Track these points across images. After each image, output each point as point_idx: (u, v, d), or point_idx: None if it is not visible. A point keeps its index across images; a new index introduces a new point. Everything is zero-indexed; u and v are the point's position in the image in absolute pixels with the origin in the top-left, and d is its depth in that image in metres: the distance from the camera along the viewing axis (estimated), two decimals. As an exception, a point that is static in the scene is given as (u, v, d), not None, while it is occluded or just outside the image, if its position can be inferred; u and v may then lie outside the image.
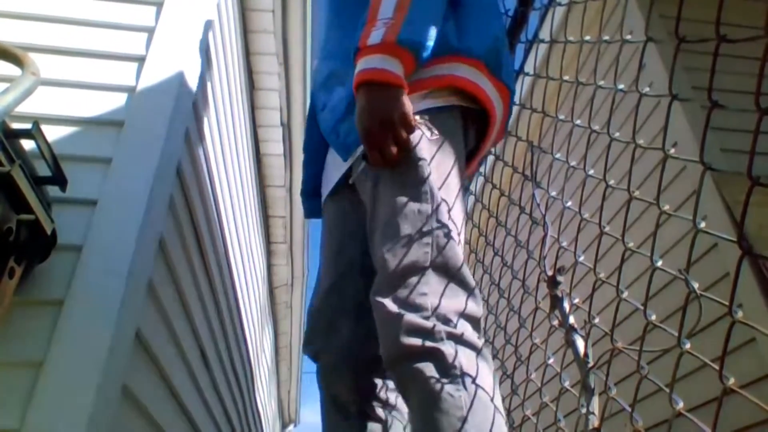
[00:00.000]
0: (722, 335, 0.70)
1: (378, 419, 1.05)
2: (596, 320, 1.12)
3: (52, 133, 1.20)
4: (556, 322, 1.29)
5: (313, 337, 1.11)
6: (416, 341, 0.77)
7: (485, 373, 0.79)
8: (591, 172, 1.18)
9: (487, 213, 1.84)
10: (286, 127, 3.36)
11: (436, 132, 0.94)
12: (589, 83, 1.24)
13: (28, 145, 0.99)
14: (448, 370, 0.76)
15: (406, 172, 0.90)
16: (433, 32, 0.93)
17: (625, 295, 1.00)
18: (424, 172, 0.90)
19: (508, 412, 1.63)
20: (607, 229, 1.07)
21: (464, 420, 0.72)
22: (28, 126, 0.96)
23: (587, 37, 1.30)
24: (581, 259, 1.18)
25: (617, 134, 1.10)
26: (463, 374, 0.76)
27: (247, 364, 3.12)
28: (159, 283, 1.32)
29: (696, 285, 0.81)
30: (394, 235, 0.86)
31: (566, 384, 1.16)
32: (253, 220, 3.12)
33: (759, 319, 1.78)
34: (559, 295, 1.28)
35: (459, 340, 0.79)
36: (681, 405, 0.83)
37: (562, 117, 1.38)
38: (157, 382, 1.39)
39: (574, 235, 1.19)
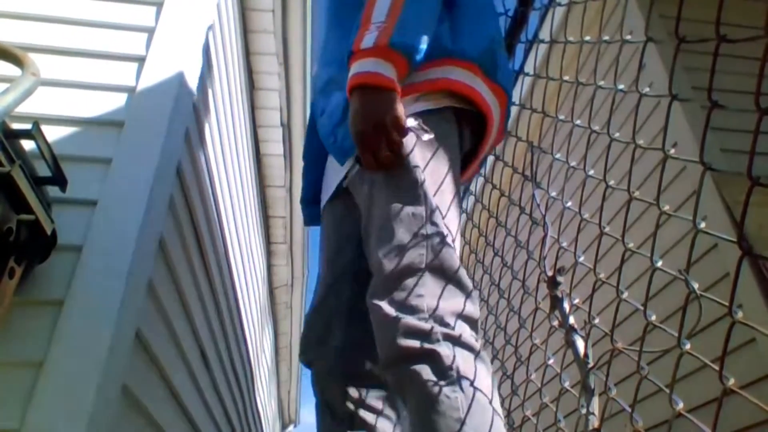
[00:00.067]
0: (722, 335, 0.70)
1: (368, 426, 1.06)
2: (596, 321, 1.12)
3: (52, 133, 1.20)
4: (556, 323, 1.29)
5: (307, 347, 1.14)
6: (413, 343, 0.77)
7: (483, 375, 0.79)
8: (591, 172, 1.18)
9: (487, 213, 1.84)
10: (286, 127, 3.36)
11: (431, 135, 0.93)
12: (589, 83, 1.24)
13: (28, 145, 0.99)
14: (445, 372, 0.75)
15: (401, 176, 0.91)
16: (425, 35, 0.93)
17: (625, 295, 1.00)
18: (419, 177, 0.90)
19: (508, 412, 1.63)
20: (607, 229, 1.07)
21: (462, 422, 0.72)
22: (28, 126, 0.96)
23: (587, 38, 1.30)
24: (581, 259, 1.18)
25: (617, 134, 1.10)
26: (461, 376, 0.76)
27: (247, 364, 3.12)
28: (159, 283, 1.32)
29: (696, 285, 0.81)
30: (389, 238, 0.86)
31: (566, 384, 1.16)
32: (253, 220, 3.12)
33: (759, 319, 1.78)
34: (559, 295, 1.28)
35: (456, 341, 0.79)
36: (681, 405, 0.83)
37: (562, 117, 1.38)
38: (157, 382, 1.39)
39: (574, 236, 1.19)
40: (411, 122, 0.91)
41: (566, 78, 1.40)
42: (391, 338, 0.79)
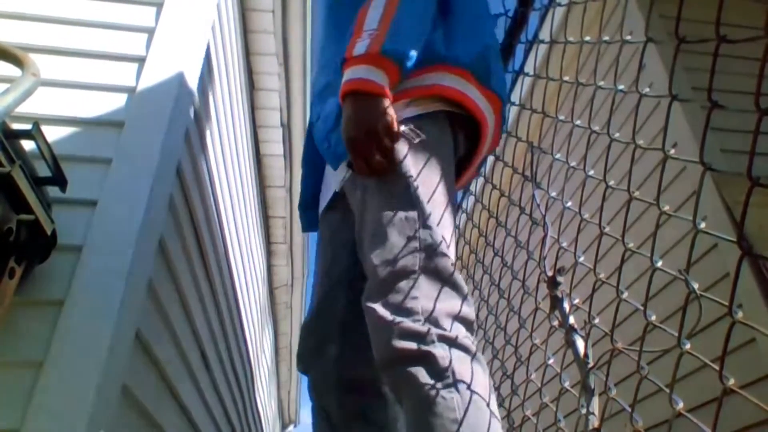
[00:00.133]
0: (722, 335, 0.70)
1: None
2: (596, 320, 1.12)
3: (52, 133, 1.20)
4: (556, 323, 1.29)
5: (304, 356, 1.16)
6: (408, 345, 0.78)
7: (480, 376, 0.79)
8: (591, 172, 1.18)
9: (487, 213, 1.84)
10: (286, 127, 3.36)
11: (423, 136, 0.94)
12: (589, 84, 1.24)
13: (28, 145, 0.99)
14: (441, 373, 0.76)
15: (393, 182, 0.91)
16: (417, 43, 0.94)
17: (625, 295, 1.00)
18: (411, 182, 0.91)
19: (508, 412, 1.63)
20: (607, 229, 1.07)
21: (459, 422, 0.72)
22: (28, 126, 0.96)
23: (587, 38, 1.30)
24: (581, 259, 1.18)
25: (617, 135, 1.10)
26: (457, 377, 0.76)
27: (247, 364, 3.12)
28: (159, 283, 1.32)
29: (696, 285, 0.81)
30: (382, 242, 0.87)
31: (566, 384, 1.16)
32: (253, 220, 3.12)
33: (759, 319, 1.78)
34: (559, 295, 1.28)
35: (452, 343, 0.79)
36: (681, 405, 0.83)
37: (562, 117, 1.38)
38: (157, 382, 1.39)
39: (574, 236, 1.19)
40: (402, 128, 0.92)
41: (566, 78, 1.40)
42: (386, 340, 0.80)
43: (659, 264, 0.89)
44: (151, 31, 1.43)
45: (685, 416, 0.82)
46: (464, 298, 0.86)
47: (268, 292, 4.42)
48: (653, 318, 0.91)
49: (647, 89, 1.02)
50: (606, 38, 1.21)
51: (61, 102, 1.29)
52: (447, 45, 1.03)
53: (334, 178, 1.11)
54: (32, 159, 0.99)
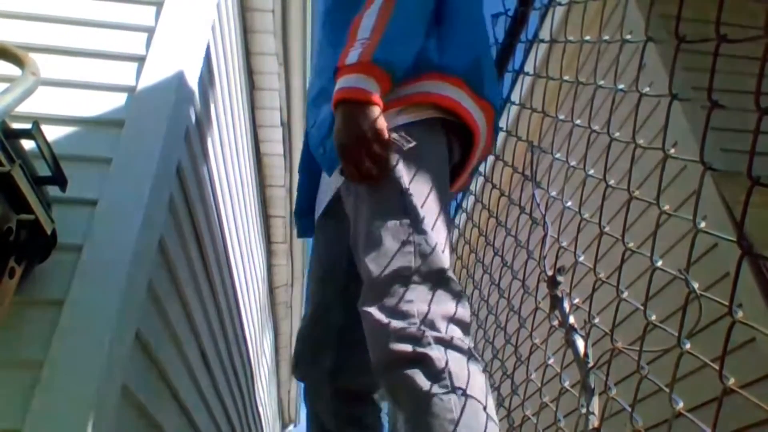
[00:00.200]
0: (722, 335, 0.69)
1: None
2: (596, 320, 1.12)
3: (52, 133, 1.20)
4: (556, 322, 1.29)
5: (299, 364, 1.19)
6: (405, 347, 0.79)
7: (476, 377, 0.80)
8: (591, 172, 1.17)
9: (487, 213, 1.83)
10: (286, 126, 3.36)
11: (413, 143, 0.95)
12: (589, 83, 1.24)
13: (28, 145, 0.99)
14: (437, 375, 0.77)
15: (386, 187, 0.93)
16: (409, 52, 0.96)
17: (625, 295, 1.00)
18: (404, 187, 0.92)
19: (508, 412, 1.63)
20: (607, 229, 1.07)
21: (455, 423, 0.73)
22: (28, 126, 0.96)
23: (587, 37, 1.30)
24: (581, 259, 1.18)
25: (617, 134, 1.09)
26: (453, 378, 0.77)
27: (247, 364, 3.12)
28: (159, 283, 1.32)
29: (696, 285, 0.81)
30: (377, 246, 0.88)
31: (566, 384, 1.16)
32: (253, 220, 3.12)
33: (759, 319, 1.78)
34: (559, 295, 1.28)
35: (448, 344, 0.80)
36: (681, 405, 0.83)
37: (562, 117, 1.38)
38: (157, 382, 1.39)
39: (574, 235, 1.19)
40: (393, 135, 0.93)
41: (566, 78, 1.40)
42: (383, 343, 0.81)
43: (659, 264, 0.89)
44: (151, 31, 1.43)
45: (685, 416, 0.82)
46: (459, 300, 0.86)
47: (268, 292, 4.41)
48: (653, 318, 0.90)
49: (647, 89, 1.02)
50: (606, 38, 1.21)
51: (61, 101, 1.29)
52: (440, 53, 1.04)
53: (329, 185, 1.13)
54: (32, 159, 0.99)
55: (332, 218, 1.17)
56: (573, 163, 1.30)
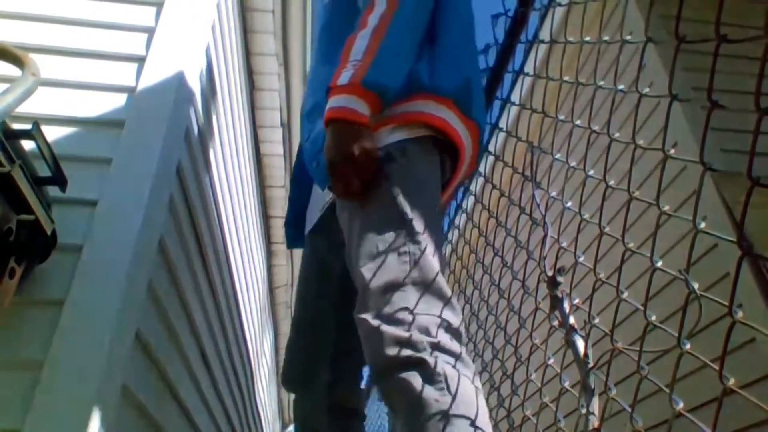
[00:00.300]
0: (722, 335, 0.69)
1: None
2: (596, 320, 1.12)
3: (52, 133, 1.20)
4: (556, 323, 1.29)
5: (291, 380, 1.24)
6: (401, 352, 0.82)
7: (466, 377, 0.83)
8: (591, 172, 1.17)
9: (487, 213, 1.83)
10: (287, 127, 3.35)
11: (399, 161, 0.99)
12: (589, 83, 1.23)
13: (28, 145, 0.99)
14: (432, 377, 0.80)
15: (382, 199, 0.96)
16: (400, 75, 1.00)
17: (625, 295, 1.00)
18: (399, 200, 0.95)
19: (508, 412, 1.63)
20: (607, 229, 1.07)
21: (451, 423, 0.76)
22: (28, 126, 0.96)
23: (587, 38, 1.30)
24: (581, 259, 1.18)
25: (617, 134, 1.09)
26: (448, 380, 0.80)
27: (247, 364, 3.12)
28: (159, 283, 1.32)
29: (696, 285, 0.81)
30: (372, 255, 0.91)
31: (566, 384, 1.16)
32: (253, 220, 3.12)
33: (759, 319, 1.78)
34: (559, 295, 1.28)
35: (442, 349, 0.83)
36: (681, 405, 0.82)
37: (562, 117, 1.38)
38: (157, 382, 1.39)
39: (574, 236, 1.19)
40: (380, 153, 0.97)
41: (566, 78, 1.40)
42: (379, 349, 0.83)
43: (659, 264, 0.89)
44: (151, 31, 1.43)
45: (685, 416, 0.82)
46: (451, 307, 0.90)
47: (268, 292, 4.41)
48: (653, 318, 0.90)
49: (647, 89, 1.02)
50: (606, 38, 1.21)
51: (61, 102, 1.29)
52: (431, 75, 1.07)
53: (321, 198, 1.18)
54: (32, 159, 0.99)
55: (323, 234, 1.22)
56: (573, 163, 1.30)
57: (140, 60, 1.38)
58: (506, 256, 1.67)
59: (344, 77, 0.95)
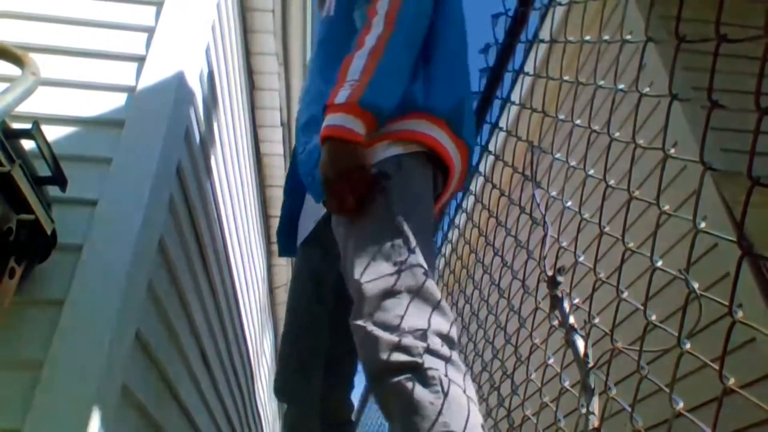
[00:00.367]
0: (722, 335, 0.69)
1: None
2: (596, 320, 1.12)
3: (52, 133, 1.20)
4: (556, 323, 1.29)
5: (285, 389, 1.26)
6: (396, 357, 0.84)
7: (458, 379, 0.85)
8: (591, 172, 1.17)
9: (487, 213, 1.83)
10: (287, 127, 3.35)
11: (393, 176, 1.02)
12: (589, 83, 1.23)
13: (28, 145, 0.99)
14: (426, 381, 0.81)
15: (378, 210, 0.99)
16: (395, 95, 1.03)
17: (625, 295, 1.00)
18: (394, 211, 0.98)
19: (508, 412, 1.63)
20: (607, 229, 1.07)
21: (446, 424, 0.78)
22: (28, 126, 0.96)
23: (587, 37, 1.30)
24: (581, 259, 1.18)
25: (617, 134, 1.09)
26: (443, 384, 0.82)
27: (247, 364, 3.12)
28: (159, 283, 1.32)
29: (696, 285, 0.81)
30: (368, 264, 0.93)
31: (566, 384, 1.16)
32: (253, 220, 3.12)
33: (759, 319, 1.78)
34: (559, 295, 1.28)
35: (437, 354, 0.85)
36: (681, 405, 0.82)
37: (562, 117, 1.38)
38: (157, 382, 1.39)
39: (574, 235, 1.19)
40: (376, 169, 1.01)
41: (566, 78, 1.40)
42: (374, 355, 0.85)
43: (659, 264, 0.89)
44: (151, 31, 1.43)
45: (685, 416, 0.82)
46: (444, 314, 0.92)
47: (268, 292, 4.41)
48: (653, 318, 0.90)
49: (647, 89, 1.02)
50: (606, 38, 1.20)
51: (61, 101, 1.29)
52: (426, 95, 1.11)
53: (315, 210, 1.21)
54: (32, 159, 0.99)
55: (317, 244, 1.25)
56: (573, 163, 1.30)
57: (140, 60, 1.38)
58: (506, 256, 1.67)
59: (341, 96, 0.98)
